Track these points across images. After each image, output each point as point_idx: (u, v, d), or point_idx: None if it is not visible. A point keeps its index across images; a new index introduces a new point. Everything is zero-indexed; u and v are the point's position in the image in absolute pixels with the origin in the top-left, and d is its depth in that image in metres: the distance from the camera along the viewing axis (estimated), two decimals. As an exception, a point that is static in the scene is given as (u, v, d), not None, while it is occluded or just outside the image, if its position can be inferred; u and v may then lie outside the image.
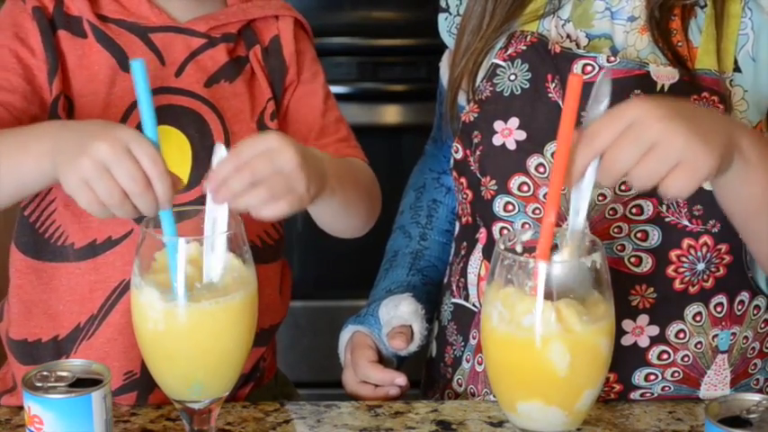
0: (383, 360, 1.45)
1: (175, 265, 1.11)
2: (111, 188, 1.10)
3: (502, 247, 1.09)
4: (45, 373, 1.14)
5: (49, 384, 1.13)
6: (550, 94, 1.34)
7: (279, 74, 1.43)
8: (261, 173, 1.14)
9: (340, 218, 1.37)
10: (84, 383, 1.13)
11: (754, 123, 1.33)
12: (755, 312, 1.37)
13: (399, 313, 1.44)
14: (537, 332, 1.05)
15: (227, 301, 1.12)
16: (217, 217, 1.13)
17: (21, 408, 1.19)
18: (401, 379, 1.40)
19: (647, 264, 1.32)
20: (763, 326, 1.38)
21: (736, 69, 1.32)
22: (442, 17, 1.50)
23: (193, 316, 1.11)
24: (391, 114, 2.71)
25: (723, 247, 1.31)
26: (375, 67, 2.70)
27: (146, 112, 1.13)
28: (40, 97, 1.34)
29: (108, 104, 1.34)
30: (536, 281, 1.06)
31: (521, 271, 1.07)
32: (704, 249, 1.31)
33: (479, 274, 1.40)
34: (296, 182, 1.16)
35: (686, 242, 1.31)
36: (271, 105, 1.42)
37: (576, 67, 1.32)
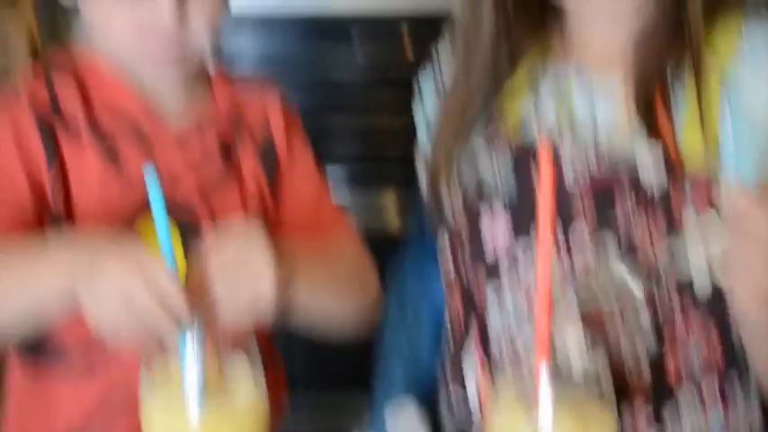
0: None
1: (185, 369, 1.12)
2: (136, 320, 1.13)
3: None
4: None
5: None
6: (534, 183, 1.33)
7: (269, 158, 1.44)
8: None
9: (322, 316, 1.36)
10: None
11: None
12: (745, 396, 1.36)
13: (406, 424, 1.44)
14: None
15: (238, 406, 1.14)
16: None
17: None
18: None
19: None
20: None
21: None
22: (418, 106, 1.48)
23: (205, 423, 1.12)
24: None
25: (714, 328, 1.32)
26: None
27: (161, 223, 1.12)
28: (43, 192, 1.33)
29: (104, 203, 1.34)
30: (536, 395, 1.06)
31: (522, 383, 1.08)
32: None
33: (475, 364, 1.40)
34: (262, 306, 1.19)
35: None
36: (262, 190, 1.43)
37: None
